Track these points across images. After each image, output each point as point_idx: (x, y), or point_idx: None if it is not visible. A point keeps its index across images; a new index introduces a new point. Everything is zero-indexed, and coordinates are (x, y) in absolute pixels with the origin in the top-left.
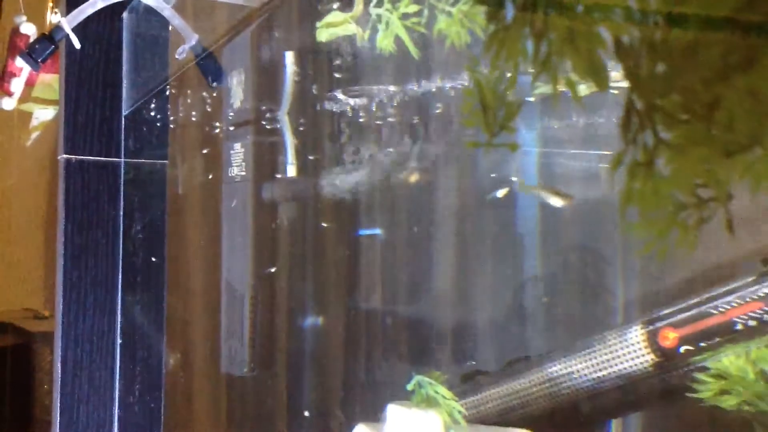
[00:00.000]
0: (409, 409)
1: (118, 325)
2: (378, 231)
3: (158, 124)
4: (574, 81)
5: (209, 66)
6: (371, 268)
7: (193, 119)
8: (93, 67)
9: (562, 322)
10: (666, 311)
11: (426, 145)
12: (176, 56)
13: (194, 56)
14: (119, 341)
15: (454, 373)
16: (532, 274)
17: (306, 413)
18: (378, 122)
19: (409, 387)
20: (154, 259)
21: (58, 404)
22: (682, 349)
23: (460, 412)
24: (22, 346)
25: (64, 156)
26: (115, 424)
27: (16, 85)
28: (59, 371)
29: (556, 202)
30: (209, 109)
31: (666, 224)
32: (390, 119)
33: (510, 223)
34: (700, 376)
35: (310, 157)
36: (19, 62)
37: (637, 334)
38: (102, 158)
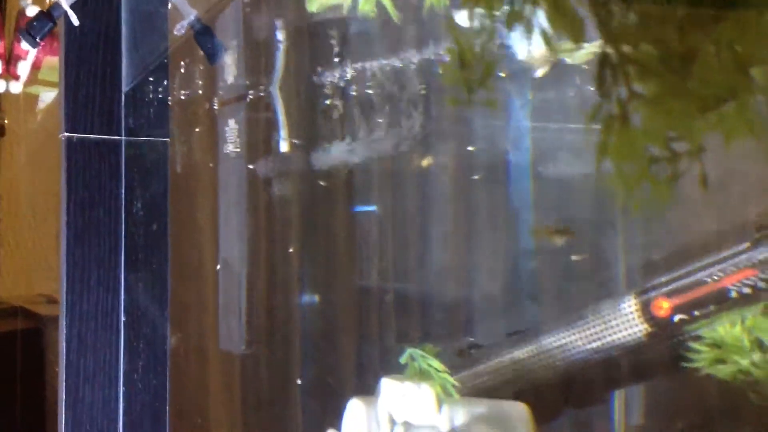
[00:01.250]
0: (402, 382)
1: (122, 303)
2: (374, 207)
3: (158, 102)
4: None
5: (208, 42)
6: (366, 244)
7: (194, 96)
8: (92, 44)
9: (557, 295)
10: (659, 281)
11: (415, 118)
12: (175, 32)
13: (193, 32)
14: (123, 319)
15: (451, 346)
16: (527, 247)
17: (300, 382)
18: (368, 95)
19: (402, 360)
20: (156, 237)
21: (64, 383)
22: (676, 318)
23: (453, 385)
24: (33, 330)
25: (65, 134)
26: (121, 401)
27: (23, 69)
28: (64, 350)
29: (558, 240)
30: (209, 86)
31: (640, 177)
32: (380, 92)
33: (504, 196)
34: (695, 345)
35: (303, 133)
36: (25, 45)
37: (630, 305)
38: (103, 136)
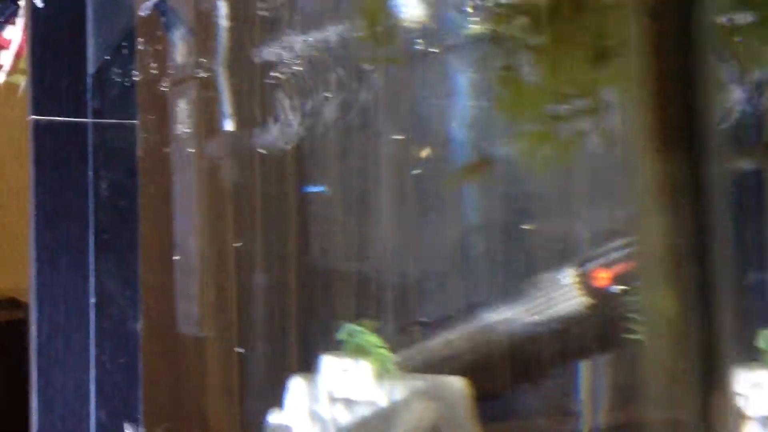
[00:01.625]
0: (341, 358)
1: (92, 286)
2: (322, 188)
3: (125, 84)
4: None
5: (173, 22)
6: (312, 223)
7: (160, 77)
8: (58, 27)
9: (500, 271)
10: (597, 251)
11: (354, 94)
12: (140, 13)
13: (159, 13)
14: (93, 301)
15: (394, 324)
16: (469, 226)
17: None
18: (307, 71)
19: (340, 336)
20: (125, 219)
21: (36, 366)
22: (616, 289)
23: (390, 360)
24: (19, 321)
25: (33, 118)
26: (92, 382)
27: (5, 58)
28: (35, 333)
29: (483, 172)
30: (168, 67)
31: (539, 134)
32: (316, 68)
33: (444, 177)
34: (636, 316)
35: (246, 110)
36: (8, 34)
37: (569, 277)
38: (70, 119)
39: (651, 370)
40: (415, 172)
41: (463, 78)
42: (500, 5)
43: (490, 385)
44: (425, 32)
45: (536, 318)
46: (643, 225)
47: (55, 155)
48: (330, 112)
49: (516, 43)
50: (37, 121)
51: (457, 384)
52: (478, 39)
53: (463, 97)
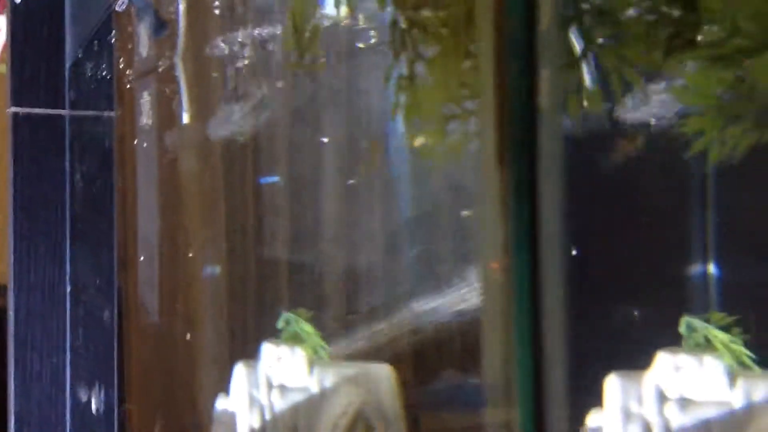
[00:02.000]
0: (278, 346)
1: (68, 274)
2: (276, 178)
3: (102, 76)
4: None
5: (149, 16)
6: (262, 215)
7: (136, 70)
8: (37, 20)
9: (435, 262)
10: None
11: (299, 87)
12: (117, 8)
13: (134, 7)
14: (69, 289)
15: (330, 313)
16: (407, 216)
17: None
18: (261, 65)
19: (279, 324)
20: (101, 210)
21: (12, 353)
22: None
23: (323, 348)
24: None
25: (12, 109)
26: (68, 369)
27: None
28: (12, 320)
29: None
30: (146, 60)
31: (435, 131)
32: (266, 60)
33: (384, 166)
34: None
35: (203, 103)
36: None
37: (494, 266)
38: (48, 110)
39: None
40: (352, 165)
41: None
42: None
43: (421, 372)
44: (352, 30)
45: (461, 308)
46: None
47: (33, 146)
48: (278, 104)
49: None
50: (15, 113)
51: (383, 371)
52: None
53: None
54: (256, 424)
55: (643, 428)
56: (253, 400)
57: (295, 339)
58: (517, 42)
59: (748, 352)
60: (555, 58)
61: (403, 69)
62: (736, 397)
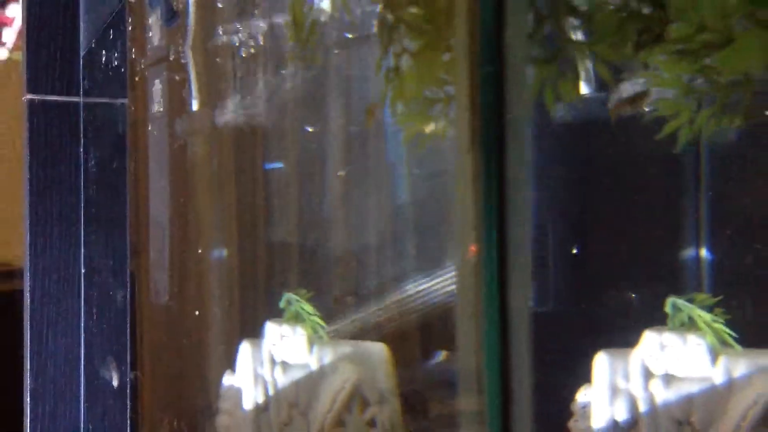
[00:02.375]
0: (281, 325)
1: (82, 256)
2: (280, 164)
3: (116, 65)
4: None
5: (160, 5)
6: (266, 200)
7: (148, 59)
8: (52, 9)
9: (427, 247)
10: None
11: (301, 77)
12: None
13: None
14: (83, 271)
15: (330, 295)
16: (402, 202)
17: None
18: (263, 54)
19: (281, 304)
20: (114, 194)
21: (28, 331)
22: None
23: (322, 327)
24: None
25: (28, 96)
26: (82, 347)
27: (9, 35)
28: (28, 300)
29: None
30: (158, 48)
31: (419, 116)
32: (272, 49)
33: (378, 152)
34: None
35: (211, 91)
36: (11, 12)
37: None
38: (63, 97)
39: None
40: (350, 152)
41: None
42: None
43: (410, 350)
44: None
45: (449, 289)
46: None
47: (48, 132)
48: (283, 93)
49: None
50: (31, 100)
51: (377, 349)
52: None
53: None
54: (260, 399)
55: (629, 403)
56: (257, 377)
57: (297, 318)
58: (488, 36)
59: (729, 331)
60: (523, 50)
61: (391, 61)
62: (717, 374)
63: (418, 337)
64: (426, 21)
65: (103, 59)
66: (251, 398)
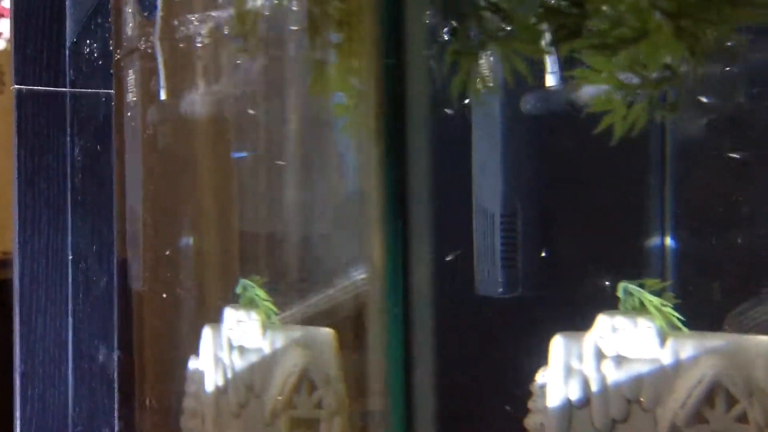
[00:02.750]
0: (237, 310)
1: (69, 242)
2: (244, 154)
3: (101, 55)
4: None
5: None
6: (228, 187)
7: (124, 49)
8: (39, 1)
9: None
10: None
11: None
12: None
13: None
14: (70, 257)
15: (284, 281)
16: (352, 189)
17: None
18: (223, 46)
19: (238, 290)
20: (99, 182)
21: (18, 315)
22: None
23: (275, 313)
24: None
25: (16, 87)
26: (70, 331)
27: (5, 26)
28: (17, 285)
29: None
30: (134, 39)
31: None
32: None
33: (329, 142)
34: None
35: (176, 81)
36: (7, 3)
37: None
38: (50, 88)
39: None
40: (305, 141)
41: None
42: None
43: (359, 337)
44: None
45: None
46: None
47: (36, 121)
48: (237, 84)
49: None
50: (19, 90)
51: (325, 334)
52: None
53: None
54: (220, 382)
55: (582, 383)
56: (217, 360)
57: (252, 304)
58: (389, 28)
59: (677, 315)
60: (422, 45)
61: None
62: (665, 355)
63: (358, 323)
64: (346, 14)
65: (89, 50)
66: (212, 381)
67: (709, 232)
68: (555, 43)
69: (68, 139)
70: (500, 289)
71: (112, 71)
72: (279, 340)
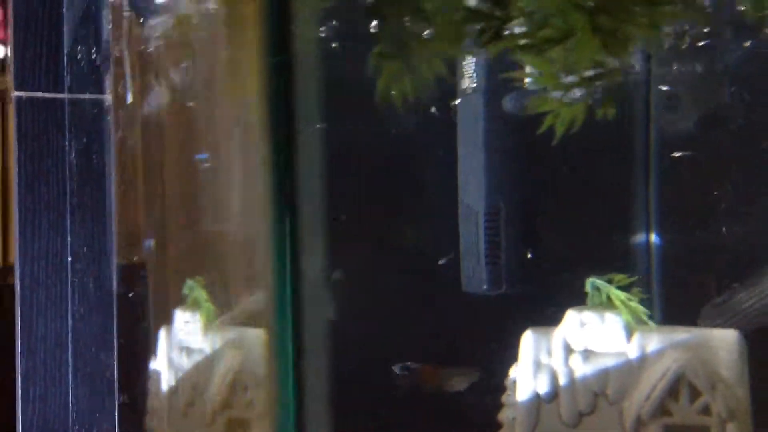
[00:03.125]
0: (184, 311)
1: (69, 245)
2: (205, 155)
3: (98, 60)
4: None
5: (138, 2)
6: (186, 188)
7: (128, 55)
8: (37, 7)
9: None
10: None
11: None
12: None
13: None
14: (69, 259)
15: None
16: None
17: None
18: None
19: (185, 291)
20: (98, 185)
21: (19, 316)
22: None
23: (215, 313)
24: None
25: (15, 93)
26: (70, 332)
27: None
28: (18, 287)
29: None
30: (138, 44)
31: None
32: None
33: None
34: None
35: (142, 83)
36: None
37: None
38: (49, 94)
39: None
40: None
41: None
42: None
43: None
44: None
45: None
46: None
47: (35, 127)
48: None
49: None
50: (19, 97)
51: (258, 334)
52: None
53: None
54: (172, 382)
55: (551, 377)
56: (170, 361)
57: (195, 304)
58: (274, 27)
59: (644, 309)
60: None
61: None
62: (631, 349)
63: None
64: (232, 21)
65: (86, 56)
66: (166, 382)
67: (688, 228)
68: (480, 44)
69: (67, 143)
70: (485, 286)
71: (107, 75)
72: (217, 341)
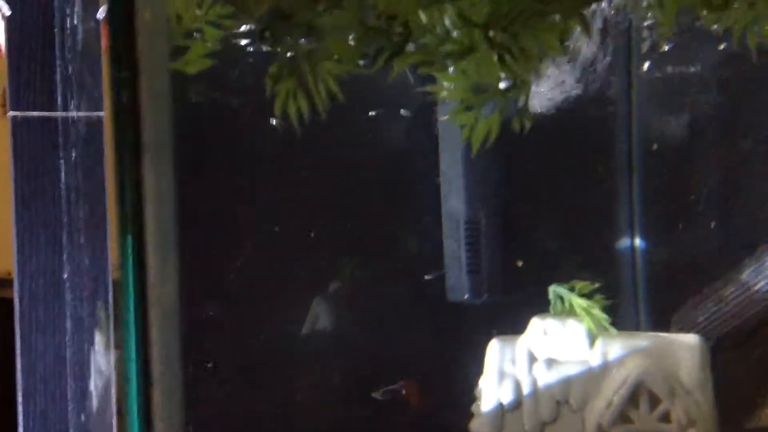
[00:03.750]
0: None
1: (65, 262)
2: None
3: (93, 79)
4: None
5: None
6: None
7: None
8: (30, 27)
9: None
10: None
11: None
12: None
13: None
14: (65, 276)
15: None
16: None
17: None
18: None
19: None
20: (94, 203)
21: (18, 333)
22: None
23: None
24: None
25: (11, 113)
26: (68, 347)
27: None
28: (17, 304)
29: None
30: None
31: None
32: None
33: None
34: None
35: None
36: None
37: None
38: (44, 113)
39: None
40: None
41: None
42: None
43: None
44: None
45: None
46: None
47: (31, 146)
48: None
49: None
50: (14, 117)
51: None
52: None
53: None
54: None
55: (514, 386)
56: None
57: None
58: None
59: (605, 316)
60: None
61: None
62: (594, 356)
63: None
64: None
65: (81, 76)
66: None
67: (667, 236)
68: (379, 61)
69: (62, 162)
70: (467, 295)
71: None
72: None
